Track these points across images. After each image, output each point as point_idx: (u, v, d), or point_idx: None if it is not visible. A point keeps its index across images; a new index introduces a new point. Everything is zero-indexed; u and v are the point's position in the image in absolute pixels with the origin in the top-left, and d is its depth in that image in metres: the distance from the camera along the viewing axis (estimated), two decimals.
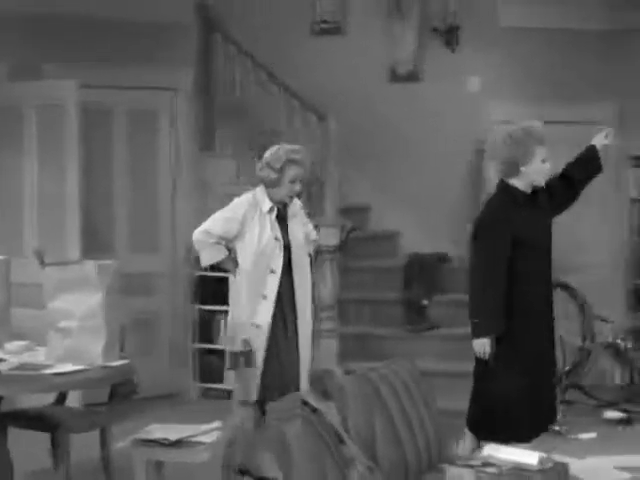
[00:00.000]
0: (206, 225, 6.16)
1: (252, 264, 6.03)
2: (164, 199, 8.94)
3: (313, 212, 8.47)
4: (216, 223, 6.12)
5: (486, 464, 4.80)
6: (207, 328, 8.76)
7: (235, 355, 5.24)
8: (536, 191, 5.37)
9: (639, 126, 9.19)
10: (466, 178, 9.34)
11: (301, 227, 6.23)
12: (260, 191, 6.11)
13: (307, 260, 6.25)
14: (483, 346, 5.34)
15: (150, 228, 8.89)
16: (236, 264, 6.12)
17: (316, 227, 7.64)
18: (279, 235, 6.08)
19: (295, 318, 6.12)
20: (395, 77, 9.50)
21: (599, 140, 5.56)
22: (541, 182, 5.32)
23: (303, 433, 3.99)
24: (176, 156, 8.92)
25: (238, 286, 6.15)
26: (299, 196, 6.37)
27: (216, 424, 5.50)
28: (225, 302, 8.64)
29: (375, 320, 8.35)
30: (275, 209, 6.10)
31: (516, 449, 5.13)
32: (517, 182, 5.29)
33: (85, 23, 8.28)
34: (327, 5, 9.58)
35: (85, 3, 8.22)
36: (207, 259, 6.22)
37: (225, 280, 8.68)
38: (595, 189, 9.37)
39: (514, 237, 5.19)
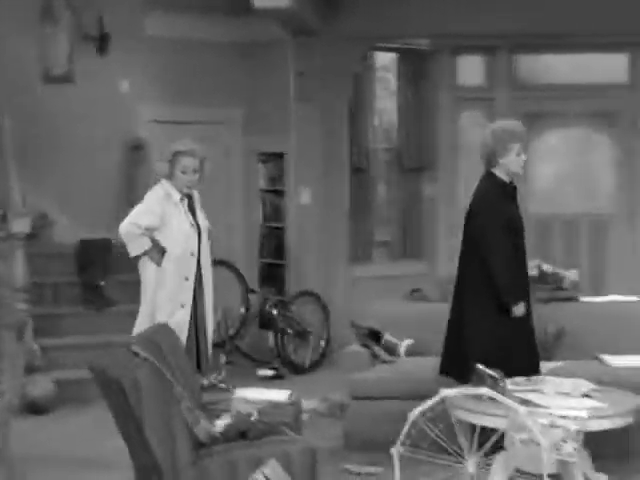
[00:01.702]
0: (132, 218, 6.52)
1: (178, 249, 6.54)
2: None
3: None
4: (141, 215, 6.51)
5: (247, 401, 5.93)
6: None
7: None
8: (515, 197, 6.29)
9: (264, 127, 10.61)
10: (120, 171, 10.26)
11: (203, 216, 6.78)
12: (166, 184, 6.60)
13: (209, 245, 6.77)
14: (523, 309, 6.09)
15: None
16: (163, 252, 6.53)
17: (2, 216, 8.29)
18: (193, 222, 6.64)
19: (202, 294, 6.72)
20: (49, 79, 10.16)
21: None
22: (518, 171, 6.23)
23: (150, 379, 4.92)
24: None
25: (163, 271, 6.54)
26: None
27: None
28: None
29: (58, 300, 9.14)
30: (185, 199, 6.63)
31: (261, 390, 6.29)
32: (497, 171, 6.18)
33: None
34: None
35: None
36: (135, 249, 6.53)
37: None
38: (234, 180, 10.79)
39: (506, 218, 6.14)
